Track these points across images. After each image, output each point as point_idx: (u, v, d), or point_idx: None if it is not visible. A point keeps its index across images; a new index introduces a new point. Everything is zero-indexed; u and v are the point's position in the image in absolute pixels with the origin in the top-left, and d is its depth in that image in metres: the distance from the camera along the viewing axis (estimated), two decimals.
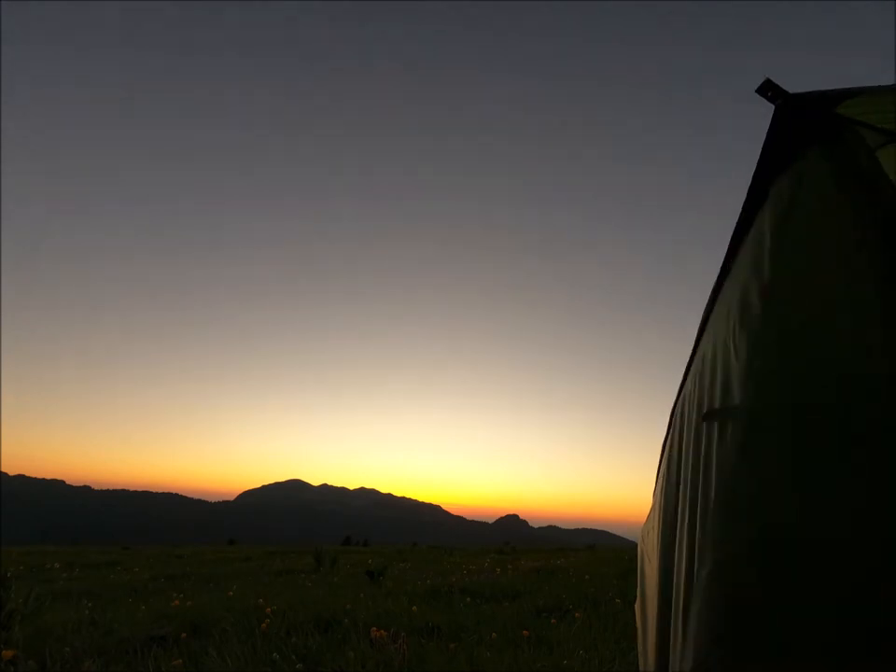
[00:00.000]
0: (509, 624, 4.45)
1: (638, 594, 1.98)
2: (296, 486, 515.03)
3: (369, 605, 5.32)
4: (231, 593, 6.70)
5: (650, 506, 2.54)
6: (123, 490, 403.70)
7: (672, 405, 2.00)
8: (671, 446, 1.43)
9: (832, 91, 0.86)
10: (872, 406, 0.66)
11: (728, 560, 0.73)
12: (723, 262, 1.52)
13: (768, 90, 0.88)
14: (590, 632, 4.21)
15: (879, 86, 0.84)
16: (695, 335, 1.66)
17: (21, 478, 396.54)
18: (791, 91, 0.91)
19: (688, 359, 1.77)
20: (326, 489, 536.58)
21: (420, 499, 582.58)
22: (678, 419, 1.39)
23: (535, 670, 3.30)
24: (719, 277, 1.53)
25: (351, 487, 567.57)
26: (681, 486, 1.15)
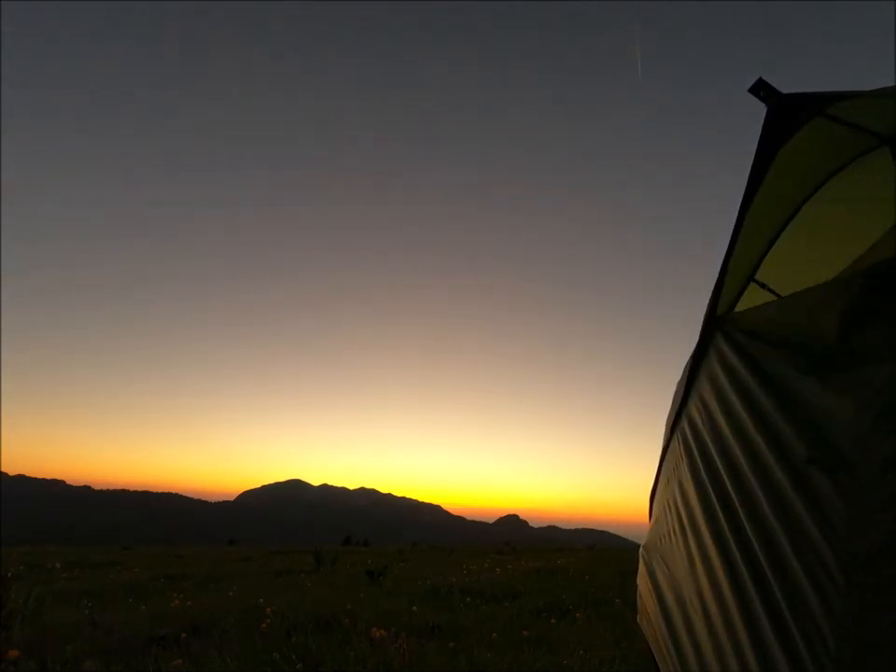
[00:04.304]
0: (509, 624, 4.45)
1: (653, 602, 1.94)
2: (296, 486, 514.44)
3: (369, 605, 5.32)
4: (231, 593, 6.70)
5: (647, 511, 2.52)
6: (123, 490, 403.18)
7: (672, 406, 2.00)
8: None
9: (825, 92, 0.87)
10: None
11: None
12: (723, 263, 1.54)
13: (760, 89, 0.89)
14: (590, 632, 4.21)
15: (872, 89, 0.85)
16: (696, 338, 1.67)
17: (21, 478, 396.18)
18: (783, 92, 0.91)
19: (687, 363, 1.77)
20: (326, 489, 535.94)
21: (420, 499, 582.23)
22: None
23: (535, 670, 3.29)
24: (719, 275, 1.55)
25: (351, 487, 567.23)
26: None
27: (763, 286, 1.77)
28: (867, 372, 0.99)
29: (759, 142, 0.99)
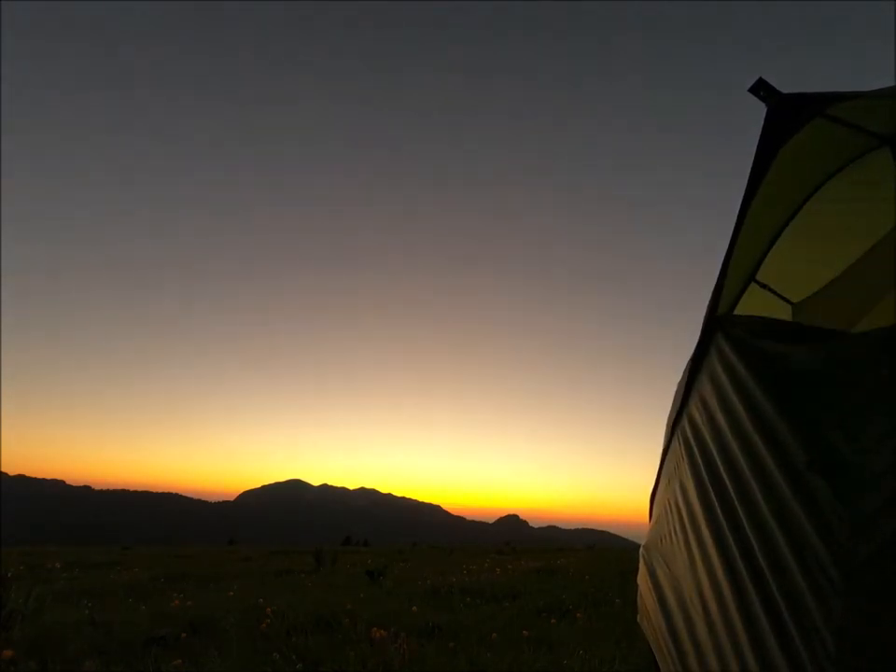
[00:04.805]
0: (509, 624, 4.45)
1: (654, 601, 1.94)
2: (296, 486, 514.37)
3: (369, 605, 5.32)
4: (231, 593, 6.70)
5: (647, 511, 2.52)
6: (123, 490, 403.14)
7: (672, 406, 2.00)
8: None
9: (825, 92, 0.87)
10: None
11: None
12: (723, 263, 1.54)
13: (761, 89, 0.89)
14: (590, 632, 4.21)
15: (873, 90, 0.86)
16: (696, 339, 1.66)
17: (21, 478, 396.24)
18: (784, 92, 0.91)
19: (687, 363, 1.77)
20: (326, 489, 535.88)
21: (420, 499, 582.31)
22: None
23: (535, 670, 3.30)
24: (719, 276, 1.55)
25: (351, 487, 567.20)
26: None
27: (763, 286, 1.77)
28: (868, 378, 1.00)
29: (759, 142, 0.99)
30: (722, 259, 1.42)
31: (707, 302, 1.57)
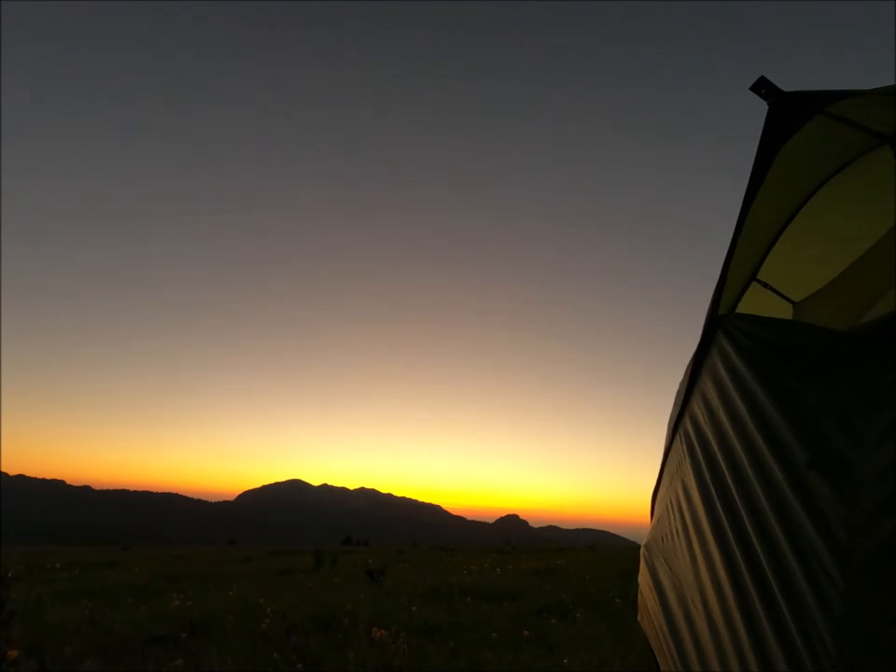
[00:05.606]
0: (509, 624, 4.45)
1: (655, 601, 1.94)
2: (296, 486, 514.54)
3: (369, 605, 5.32)
4: (231, 593, 6.70)
5: (648, 511, 2.52)
6: (123, 490, 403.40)
7: (674, 405, 2.00)
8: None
9: (826, 90, 0.87)
10: None
11: None
12: (724, 262, 1.54)
13: (762, 87, 0.89)
14: (590, 632, 4.21)
15: (874, 88, 0.86)
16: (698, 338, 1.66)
17: (21, 478, 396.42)
18: (785, 90, 0.91)
19: (689, 363, 1.77)
20: (326, 489, 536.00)
21: (420, 499, 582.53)
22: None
23: (535, 670, 3.30)
24: (721, 275, 1.55)
25: (351, 487, 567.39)
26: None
27: (765, 285, 1.77)
28: (870, 381, 1.00)
29: (760, 140, 0.99)
30: (724, 258, 1.42)
31: (708, 302, 1.57)
